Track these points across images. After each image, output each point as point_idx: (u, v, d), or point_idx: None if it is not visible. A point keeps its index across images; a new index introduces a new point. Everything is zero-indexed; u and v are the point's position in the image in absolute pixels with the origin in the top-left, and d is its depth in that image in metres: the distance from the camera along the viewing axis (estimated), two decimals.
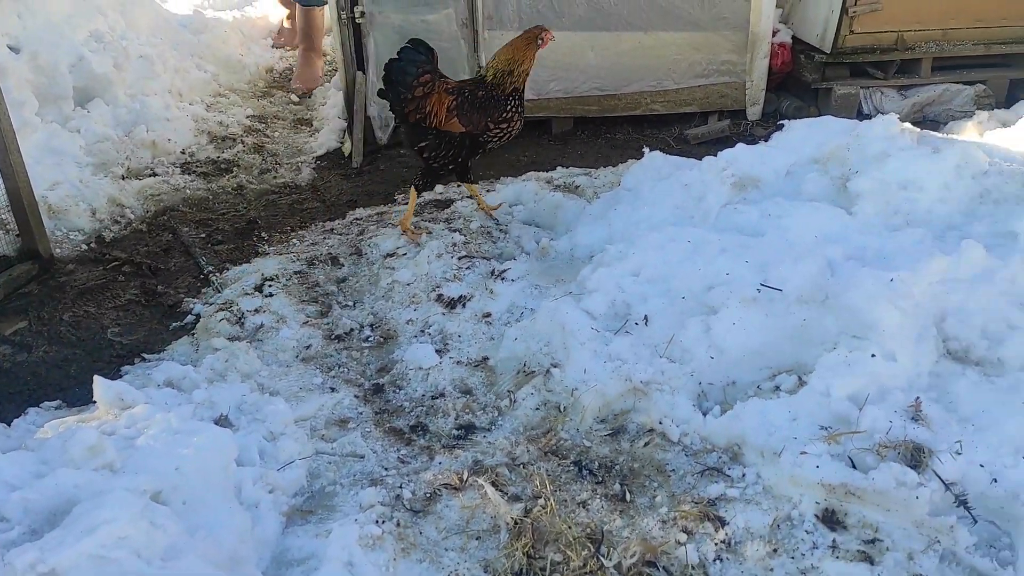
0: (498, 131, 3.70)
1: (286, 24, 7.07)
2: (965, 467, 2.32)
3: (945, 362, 2.69)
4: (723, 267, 3.04)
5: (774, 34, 5.27)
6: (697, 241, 3.21)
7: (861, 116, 5.07)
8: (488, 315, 3.30)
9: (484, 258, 3.69)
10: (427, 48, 3.61)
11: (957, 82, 5.17)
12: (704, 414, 2.69)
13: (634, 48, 5.12)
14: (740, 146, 3.73)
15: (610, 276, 3.18)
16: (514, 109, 3.69)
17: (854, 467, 2.37)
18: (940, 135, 3.68)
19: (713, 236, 3.23)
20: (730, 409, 2.66)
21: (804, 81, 5.25)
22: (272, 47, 6.97)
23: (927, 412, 2.48)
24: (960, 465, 2.32)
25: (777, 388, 2.77)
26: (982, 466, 2.32)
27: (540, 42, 3.68)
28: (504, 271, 3.50)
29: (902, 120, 4.99)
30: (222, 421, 2.65)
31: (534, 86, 5.14)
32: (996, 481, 2.30)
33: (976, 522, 2.26)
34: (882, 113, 4.99)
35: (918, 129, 3.64)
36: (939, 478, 2.29)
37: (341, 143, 5.22)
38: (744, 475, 2.49)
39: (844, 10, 4.89)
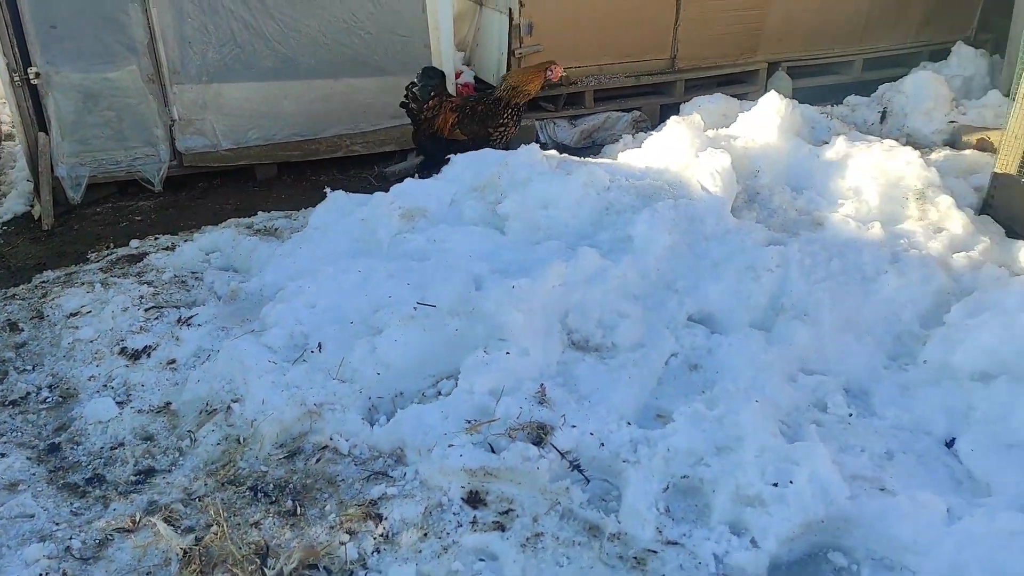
0: (497, 133, 4.72)
1: None
2: (579, 437, 2.75)
3: (570, 351, 3.14)
4: (388, 291, 3.35)
5: (458, 75, 5.76)
6: (367, 270, 3.50)
7: (540, 145, 5.64)
8: (173, 361, 3.38)
9: (174, 307, 3.76)
10: (439, 74, 4.77)
11: (617, 110, 5.91)
12: (373, 425, 2.96)
13: (327, 94, 5.39)
14: (408, 180, 4.10)
15: (289, 310, 3.39)
16: (510, 117, 4.71)
17: (493, 451, 2.73)
18: (576, 159, 4.23)
19: (382, 264, 3.54)
20: None
21: None
22: None
23: (551, 395, 2.90)
24: (575, 435, 2.74)
25: (439, 393, 3.09)
26: (592, 434, 2.75)
27: (550, 73, 4.70)
28: (191, 317, 3.60)
29: (574, 145, 5.69)
30: None
31: (233, 135, 5.27)
32: (604, 445, 2.73)
33: (590, 481, 2.68)
34: (555, 141, 5.64)
35: (557, 155, 4.17)
36: (556, 449, 2.70)
37: (31, 206, 5.04)
38: (405, 474, 2.77)
39: (511, 52, 5.46)
